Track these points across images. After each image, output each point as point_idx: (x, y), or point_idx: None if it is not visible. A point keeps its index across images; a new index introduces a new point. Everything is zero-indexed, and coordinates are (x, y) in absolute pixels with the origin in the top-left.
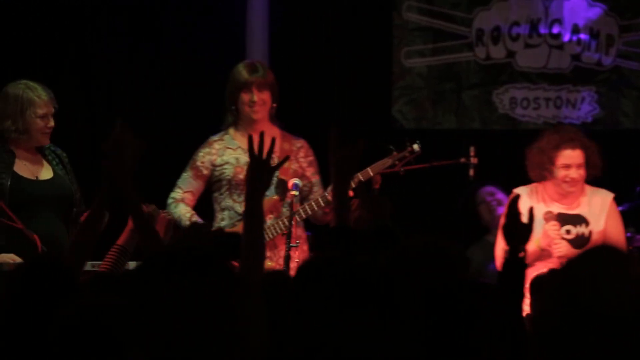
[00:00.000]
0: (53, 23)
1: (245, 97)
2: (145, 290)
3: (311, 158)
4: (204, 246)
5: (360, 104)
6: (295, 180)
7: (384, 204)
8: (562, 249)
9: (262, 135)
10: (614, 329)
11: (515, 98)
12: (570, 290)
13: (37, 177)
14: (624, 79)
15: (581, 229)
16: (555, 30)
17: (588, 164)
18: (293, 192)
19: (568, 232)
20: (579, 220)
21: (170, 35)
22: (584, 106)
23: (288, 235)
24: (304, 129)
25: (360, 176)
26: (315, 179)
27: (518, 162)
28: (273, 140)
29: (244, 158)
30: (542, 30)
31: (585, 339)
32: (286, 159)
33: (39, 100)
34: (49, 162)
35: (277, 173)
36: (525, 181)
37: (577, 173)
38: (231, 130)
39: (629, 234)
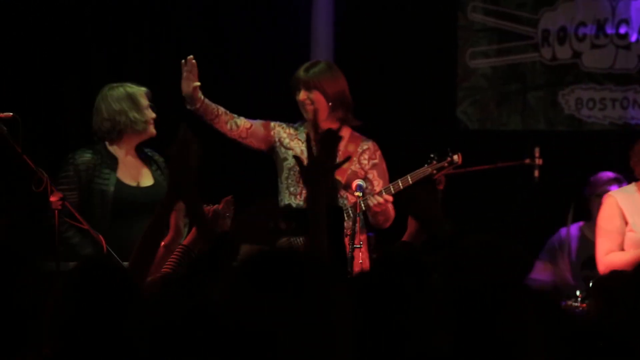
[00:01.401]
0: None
1: (297, 95)
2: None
3: (376, 160)
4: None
5: (425, 105)
6: (359, 182)
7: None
8: None
9: (331, 133)
10: None
11: (581, 99)
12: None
13: (138, 183)
14: None
15: None
16: (622, 30)
17: None
18: (357, 194)
19: None
20: None
21: (237, 37)
22: None
23: (352, 237)
24: (369, 130)
25: (400, 183)
26: (378, 182)
27: (583, 163)
28: (339, 139)
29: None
30: (609, 30)
31: None
32: (347, 159)
33: (141, 91)
34: (149, 168)
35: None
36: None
37: None
38: (303, 126)
39: None
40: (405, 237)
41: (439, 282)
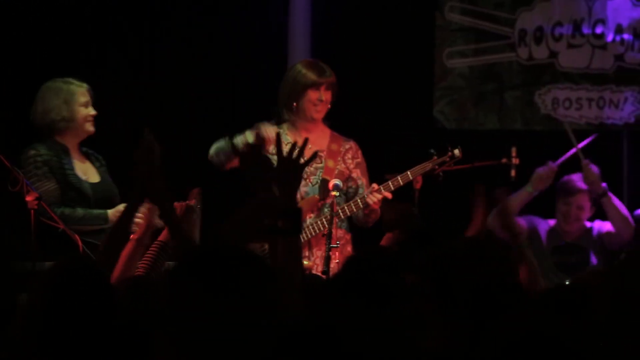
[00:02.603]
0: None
1: (313, 95)
2: (179, 292)
3: (359, 160)
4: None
5: (402, 105)
6: (336, 181)
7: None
8: None
9: (306, 140)
10: None
11: (557, 99)
12: (619, 292)
13: (87, 178)
14: None
15: None
16: (598, 30)
17: None
18: (333, 193)
19: None
20: None
21: (214, 36)
22: (627, 106)
23: (328, 236)
24: (347, 129)
25: (400, 179)
26: (362, 181)
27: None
28: (306, 140)
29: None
30: (585, 30)
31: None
32: (315, 155)
33: (79, 89)
34: (93, 165)
35: (320, 173)
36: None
37: None
38: (285, 126)
39: None
40: (383, 242)
41: (420, 282)
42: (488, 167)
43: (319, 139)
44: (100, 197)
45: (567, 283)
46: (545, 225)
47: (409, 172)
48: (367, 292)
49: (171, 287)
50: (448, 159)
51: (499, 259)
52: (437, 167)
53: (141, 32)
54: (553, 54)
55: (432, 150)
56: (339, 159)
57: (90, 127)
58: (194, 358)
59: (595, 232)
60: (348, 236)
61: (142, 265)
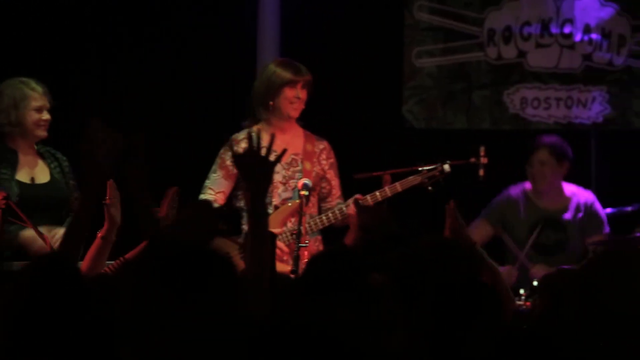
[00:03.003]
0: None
1: (290, 93)
2: (144, 291)
3: (332, 160)
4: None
5: (371, 104)
6: (305, 180)
7: (380, 213)
8: None
9: (272, 136)
10: (630, 331)
11: (525, 98)
12: (588, 292)
13: (33, 179)
14: (635, 79)
15: None
16: (566, 30)
17: None
18: (302, 192)
19: None
20: None
21: (181, 35)
22: (595, 106)
23: (297, 235)
24: (315, 128)
25: (387, 191)
26: (335, 181)
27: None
28: (272, 137)
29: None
30: (554, 30)
31: (601, 340)
32: (284, 152)
33: (33, 93)
34: (48, 165)
35: (299, 176)
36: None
37: None
38: (255, 129)
39: (638, 234)
40: (347, 240)
41: (385, 281)
42: (456, 166)
43: (294, 139)
44: (44, 199)
45: (534, 284)
46: (522, 195)
47: (397, 184)
48: (331, 292)
49: (136, 285)
50: (438, 174)
51: (464, 259)
52: (426, 180)
53: (109, 32)
54: (521, 54)
55: (420, 167)
56: (315, 160)
57: (41, 132)
58: (159, 358)
59: (575, 202)
60: (319, 237)
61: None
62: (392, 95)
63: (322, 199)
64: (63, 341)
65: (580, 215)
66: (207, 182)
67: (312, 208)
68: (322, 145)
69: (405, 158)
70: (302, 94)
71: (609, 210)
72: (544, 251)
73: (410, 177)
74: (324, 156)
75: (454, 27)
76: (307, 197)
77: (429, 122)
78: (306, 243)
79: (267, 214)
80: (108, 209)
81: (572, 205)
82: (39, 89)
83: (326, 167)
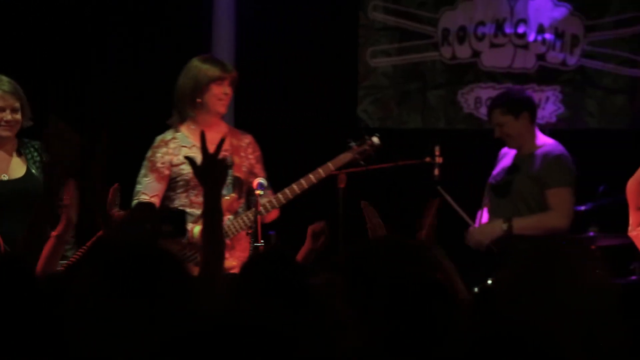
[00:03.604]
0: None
1: (218, 89)
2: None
3: (258, 154)
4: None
5: (325, 104)
6: (261, 180)
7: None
8: None
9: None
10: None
11: (480, 98)
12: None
13: (8, 175)
14: (588, 79)
15: None
16: (520, 30)
17: None
18: (258, 192)
19: None
20: None
21: (138, 35)
22: (549, 106)
23: (254, 234)
24: (271, 128)
25: (321, 171)
26: (262, 175)
27: (483, 162)
28: (223, 137)
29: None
30: (508, 30)
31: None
32: (221, 142)
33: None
34: (25, 159)
35: (230, 172)
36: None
37: None
38: (182, 128)
39: (592, 233)
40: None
41: (338, 281)
42: (412, 166)
43: (220, 135)
44: (15, 194)
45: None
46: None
47: (329, 163)
48: (276, 293)
49: (86, 285)
50: (368, 147)
51: (417, 257)
52: (358, 156)
53: (64, 31)
54: (476, 54)
55: (350, 142)
56: (242, 154)
57: (2, 132)
58: (108, 357)
59: (540, 151)
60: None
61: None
62: (347, 95)
63: (250, 193)
64: (14, 340)
65: (538, 163)
66: (139, 187)
67: (240, 204)
68: (247, 139)
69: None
70: (229, 90)
71: None
72: (495, 193)
73: (342, 155)
74: (250, 150)
75: (408, 27)
76: (261, 196)
77: (383, 122)
78: (262, 242)
79: (222, 213)
80: (66, 209)
81: (537, 154)
82: (5, 87)
83: (253, 162)
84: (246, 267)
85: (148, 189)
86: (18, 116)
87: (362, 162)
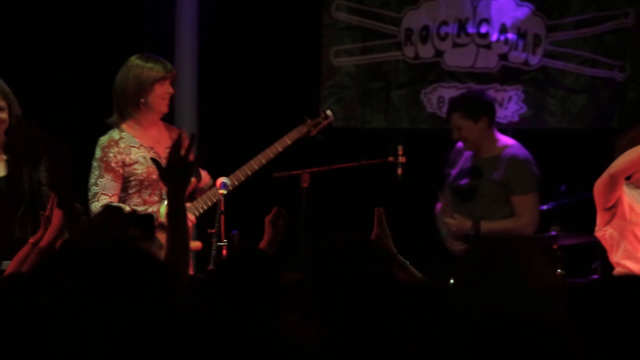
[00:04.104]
0: None
1: (161, 89)
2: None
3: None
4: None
5: (289, 103)
6: (224, 179)
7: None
8: None
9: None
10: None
11: (443, 97)
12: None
13: None
14: (550, 79)
15: None
16: (483, 29)
17: None
18: (221, 191)
19: None
20: None
21: (101, 32)
22: (511, 105)
23: (217, 234)
24: (233, 127)
25: (278, 146)
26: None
27: (445, 161)
28: (180, 136)
29: (149, 156)
30: (470, 29)
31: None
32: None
33: None
34: (10, 157)
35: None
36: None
37: None
38: (126, 128)
39: (553, 233)
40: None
41: (300, 281)
42: (375, 165)
43: (161, 132)
44: (1, 191)
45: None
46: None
47: (286, 137)
48: (243, 292)
49: (63, 284)
50: (322, 120)
51: (377, 255)
52: (312, 129)
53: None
54: (439, 53)
55: (304, 115)
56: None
57: None
58: (85, 355)
59: (504, 154)
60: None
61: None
62: (311, 94)
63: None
64: None
65: (503, 168)
66: (97, 189)
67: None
68: (183, 134)
69: (324, 157)
70: (172, 89)
71: None
72: (459, 197)
73: (297, 128)
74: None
75: (371, 26)
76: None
77: (346, 121)
78: (225, 242)
79: (186, 214)
80: (45, 219)
81: (502, 157)
82: None
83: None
84: (221, 266)
85: (107, 189)
86: (4, 115)
87: (318, 136)
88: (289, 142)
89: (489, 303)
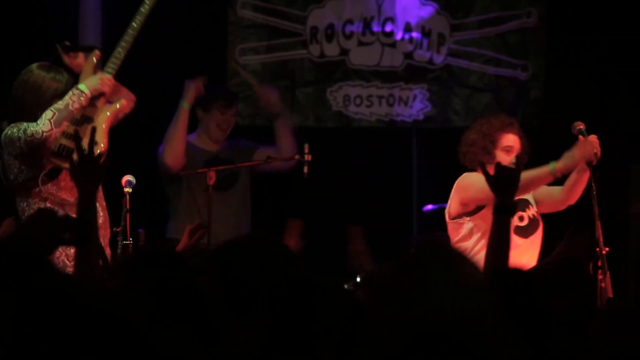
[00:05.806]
0: None
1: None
2: None
3: None
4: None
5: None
6: (129, 177)
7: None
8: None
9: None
10: (442, 334)
11: (348, 96)
12: (401, 292)
13: None
14: (454, 78)
15: (531, 212)
16: (388, 28)
17: (522, 150)
18: (127, 190)
19: (521, 219)
20: (525, 203)
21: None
22: (416, 104)
23: (123, 232)
24: (138, 125)
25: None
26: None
27: (351, 159)
28: (94, 130)
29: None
30: (375, 28)
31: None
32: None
33: None
34: None
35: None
36: (357, 179)
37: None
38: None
39: None
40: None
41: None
42: (282, 163)
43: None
44: None
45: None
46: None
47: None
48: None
49: None
50: None
51: (281, 254)
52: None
53: None
54: (344, 52)
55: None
56: None
57: None
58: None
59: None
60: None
61: None
62: None
63: None
64: None
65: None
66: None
67: None
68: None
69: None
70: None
71: (430, 207)
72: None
73: None
74: None
75: (277, 24)
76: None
77: (253, 119)
78: (130, 240)
79: (96, 212)
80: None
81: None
82: None
83: None
84: (130, 265)
85: None
86: None
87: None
88: None
89: (418, 302)
